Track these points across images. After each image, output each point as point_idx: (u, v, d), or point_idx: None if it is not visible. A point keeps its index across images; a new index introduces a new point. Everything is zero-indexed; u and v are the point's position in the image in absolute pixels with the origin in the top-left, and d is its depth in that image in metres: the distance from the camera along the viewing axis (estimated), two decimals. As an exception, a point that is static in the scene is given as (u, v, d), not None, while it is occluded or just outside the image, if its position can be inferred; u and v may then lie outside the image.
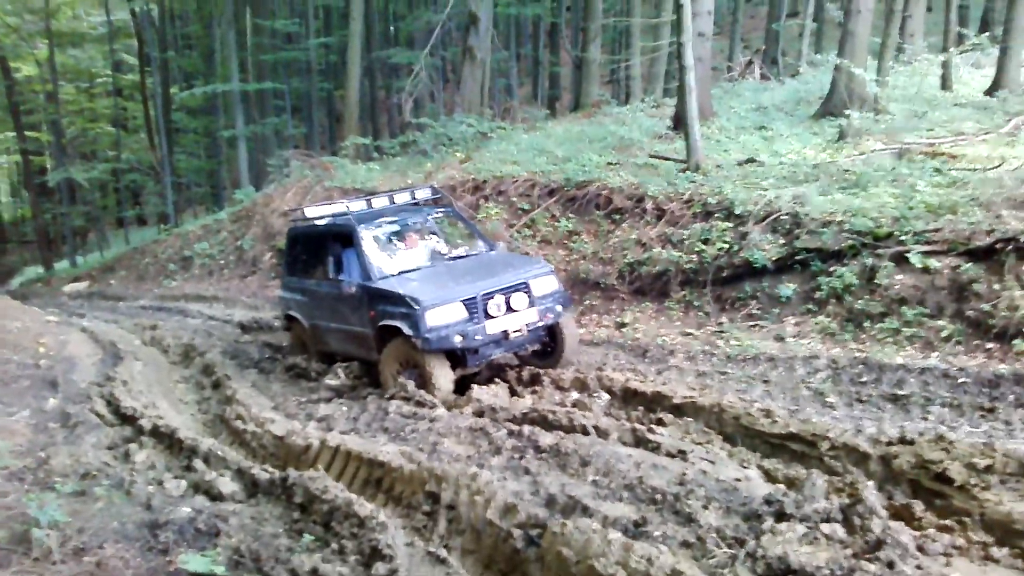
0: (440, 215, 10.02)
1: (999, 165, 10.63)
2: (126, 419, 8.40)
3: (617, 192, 12.77)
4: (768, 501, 4.77)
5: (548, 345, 9.15)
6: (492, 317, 8.20)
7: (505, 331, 8.26)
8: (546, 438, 6.25)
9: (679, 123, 15.24)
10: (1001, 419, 6.17)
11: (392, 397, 8.13)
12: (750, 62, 24.25)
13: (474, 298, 8.16)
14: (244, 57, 31.22)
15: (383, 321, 8.41)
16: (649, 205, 12.13)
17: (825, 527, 4.40)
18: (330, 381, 9.26)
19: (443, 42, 28.14)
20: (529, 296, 8.45)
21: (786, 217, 10.24)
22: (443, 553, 4.70)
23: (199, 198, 38.23)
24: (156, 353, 12.06)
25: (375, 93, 33.42)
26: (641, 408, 7.36)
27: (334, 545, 5.07)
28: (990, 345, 7.63)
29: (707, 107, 16.68)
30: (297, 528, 5.47)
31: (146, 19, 33.39)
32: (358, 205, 9.73)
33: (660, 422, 6.82)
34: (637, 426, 6.49)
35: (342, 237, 9.43)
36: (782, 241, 9.99)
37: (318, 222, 9.90)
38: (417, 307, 7.95)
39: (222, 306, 16.82)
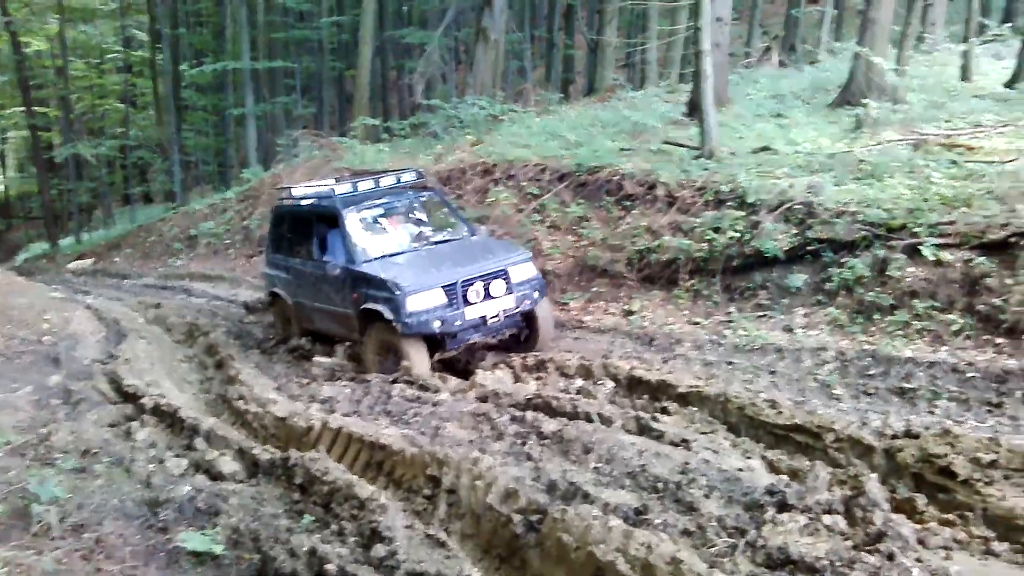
0: (424, 199, 10.27)
1: (1016, 159, 10.47)
2: (128, 397, 8.40)
3: (629, 178, 12.65)
4: (770, 491, 4.73)
5: (524, 330, 9.40)
6: (471, 304, 8.47)
7: (483, 317, 8.55)
8: (549, 424, 6.22)
9: (694, 109, 15.09)
10: (1008, 414, 6.12)
11: (395, 380, 8.11)
12: (768, 48, 24.00)
13: (454, 284, 8.42)
14: (255, 35, 31.12)
15: (366, 304, 8.65)
16: (661, 192, 12.02)
17: (827, 518, 4.37)
18: (322, 359, 9.29)
19: (456, 22, 27.90)
20: (507, 283, 8.73)
21: (799, 207, 10.12)
22: (443, 536, 4.67)
23: (207, 176, 38.23)
24: (160, 332, 12.06)
25: (386, 73, 33.26)
26: (646, 396, 7.32)
27: (334, 526, 5.07)
28: (1000, 340, 7.53)
29: (723, 93, 16.49)
30: (297, 509, 5.47)
31: (159, -5, 33.27)
32: (344, 187, 9.85)
33: (665, 411, 6.77)
34: (641, 414, 6.45)
35: (327, 218, 9.65)
36: (794, 231, 9.88)
37: (303, 202, 10.15)
38: (399, 292, 8.22)
39: (227, 286, 16.83)
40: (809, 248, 9.55)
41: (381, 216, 9.66)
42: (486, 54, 21.22)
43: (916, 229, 8.78)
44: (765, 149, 12.84)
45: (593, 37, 25.90)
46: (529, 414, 6.51)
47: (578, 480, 5.23)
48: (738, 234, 10.32)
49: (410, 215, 9.92)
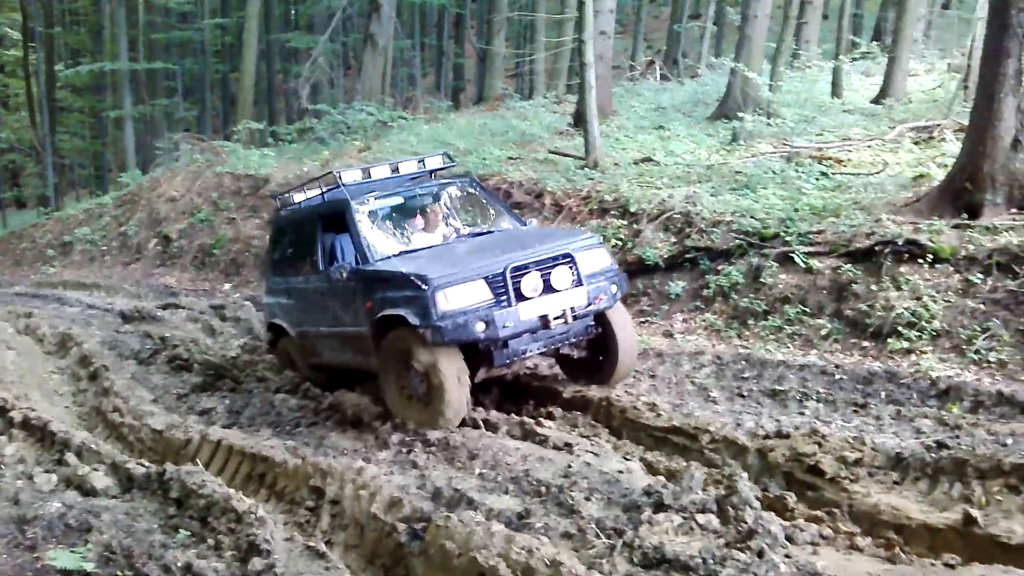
0: (457, 187, 8.29)
1: (881, 171, 11.09)
2: (-5, 411, 7.97)
3: (517, 187, 12.83)
4: (648, 492, 4.86)
5: (595, 352, 7.31)
6: (526, 299, 6.37)
7: (544, 317, 6.41)
8: (434, 432, 6.23)
9: (580, 120, 15.40)
10: (872, 414, 6.41)
11: (278, 390, 7.95)
12: (651, 62, 24.68)
13: (502, 274, 6.34)
14: (134, 35, 30.16)
15: (383, 311, 6.61)
16: (548, 201, 12.22)
17: (701, 517, 4.51)
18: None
19: (344, 27, 27.75)
20: (575, 272, 6.61)
21: (678, 216, 10.45)
22: (322, 548, 4.62)
23: (83, 181, 36.78)
24: (30, 342, 11.51)
25: (272, 77, 32.70)
26: (531, 402, 7.39)
27: (210, 540, 4.93)
28: (866, 343, 7.95)
29: (608, 105, 16.89)
30: (173, 524, 5.29)
31: (31, -9, 31.86)
32: (353, 175, 7.83)
33: (550, 416, 6.85)
34: (526, 420, 6.52)
35: (335, 218, 7.66)
36: (674, 239, 10.19)
37: (305, 204, 8.38)
38: (425, 287, 6.18)
39: (103, 294, 16.24)
40: (688, 256, 9.87)
41: (402, 208, 7.77)
42: (374, 60, 21.16)
43: (788, 238, 9.18)
44: (647, 160, 13.21)
45: (482, 47, 26.12)
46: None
47: (463, 487, 5.25)
48: (621, 242, 10.57)
49: (440, 207, 7.95)
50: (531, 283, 6.38)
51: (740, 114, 14.25)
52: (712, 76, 20.53)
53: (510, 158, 14.51)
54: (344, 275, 7.03)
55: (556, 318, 6.43)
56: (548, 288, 6.46)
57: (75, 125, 35.84)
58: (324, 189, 8.04)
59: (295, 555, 4.56)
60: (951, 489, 4.98)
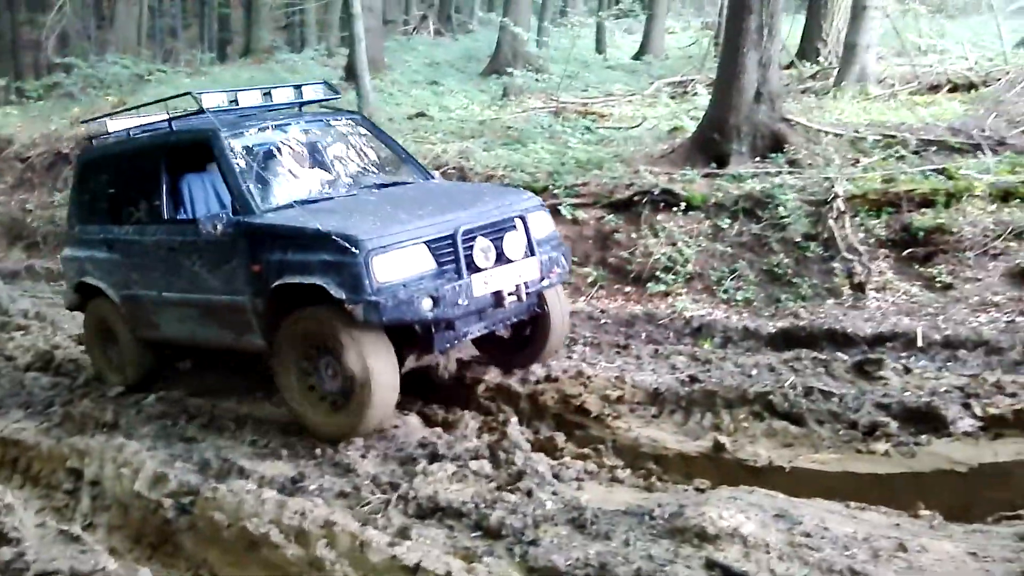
0: (349, 126, 6.71)
1: (639, 124, 11.65)
2: None
3: (286, 143, 12.43)
4: (423, 444, 4.95)
5: (519, 329, 6.19)
6: (478, 270, 5.22)
7: (498, 293, 5.27)
8: (198, 401, 6.05)
9: (352, 74, 15.12)
10: (633, 354, 6.74)
11: (28, 368, 7.35)
12: (425, 17, 24.58)
13: (450, 237, 5.12)
14: None
15: (284, 278, 5.18)
16: (319, 157, 11.93)
17: (474, 464, 4.67)
18: None
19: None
20: (528, 239, 5.53)
21: (453, 171, 10.50)
22: (76, 531, 4.38)
23: None
24: None
25: (16, 29, 29.71)
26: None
27: (-48, 535, 4.54)
28: (628, 288, 8.38)
29: (380, 59, 16.70)
30: (-93, 521, 4.82)
31: None
32: (215, 100, 6.13)
33: (326, 376, 6.76)
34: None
35: (191, 153, 6.17)
36: (448, 194, 10.26)
37: (140, 135, 6.61)
38: (356, 250, 4.82)
39: None
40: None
41: (285, 147, 6.15)
42: (128, 10, 19.85)
43: (556, 191, 9.46)
44: (421, 115, 13.20)
45: (249, -4, 24.99)
46: (176, 392, 6.31)
47: (232, 456, 5.11)
48: (396, 199, 10.52)
49: (332, 147, 6.42)
50: (482, 251, 5.27)
51: (510, 70, 14.51)
52: (484, 32, 20.76)
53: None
54: (218, 229, 5.46)
55: (510, 295, 5.32)
56: (500, 257, 5.35)
57: None
58: (172, 116, 6.35)
59: (48, 541, 4.31)
60: (703, 419, 5.36)
